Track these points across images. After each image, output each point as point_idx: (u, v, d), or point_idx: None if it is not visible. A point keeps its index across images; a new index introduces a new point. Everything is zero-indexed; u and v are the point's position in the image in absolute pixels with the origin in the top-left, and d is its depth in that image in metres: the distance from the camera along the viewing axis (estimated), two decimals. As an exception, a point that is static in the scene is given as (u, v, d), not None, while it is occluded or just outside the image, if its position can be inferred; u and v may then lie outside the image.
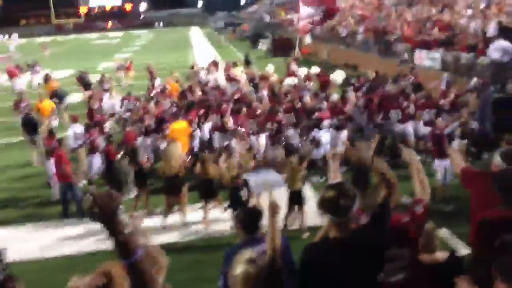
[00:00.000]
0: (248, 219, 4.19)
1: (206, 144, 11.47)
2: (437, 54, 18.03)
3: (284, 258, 4.06)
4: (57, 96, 17.10)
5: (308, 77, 16.73)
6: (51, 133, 11.36)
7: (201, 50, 40.92)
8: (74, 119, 12.20)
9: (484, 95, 12.23)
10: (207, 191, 9.01)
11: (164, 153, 9.55)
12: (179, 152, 9.58)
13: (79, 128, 11.96)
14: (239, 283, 3.20)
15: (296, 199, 8.15)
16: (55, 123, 15.05)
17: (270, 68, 18.94)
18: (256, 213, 4.18)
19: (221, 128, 11.92)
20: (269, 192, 3.70)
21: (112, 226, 1.88)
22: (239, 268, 3.22)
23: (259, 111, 12.36)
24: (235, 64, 20.47)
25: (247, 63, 23.36)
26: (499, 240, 3.40)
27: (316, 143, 10.98)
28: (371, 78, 15.15)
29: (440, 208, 8.61)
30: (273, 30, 43.63)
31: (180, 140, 11.21)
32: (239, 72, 18.94)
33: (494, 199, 4.35)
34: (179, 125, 11.49)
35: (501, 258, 3.12)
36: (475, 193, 4.96)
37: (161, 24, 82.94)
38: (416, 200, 3.85)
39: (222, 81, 17.62)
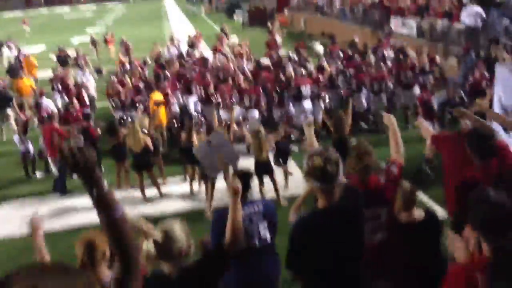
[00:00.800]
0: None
1: (187, 115, 11.37)
2: (412, 21, 18.13)
3: (271, 224, 4.19)
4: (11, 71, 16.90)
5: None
6: (21, 107, 11.75)
7: (177, 23, 40.26)
8: (41, 93, 12.70)
9: (466, 62, 12.33)
10: (191, 156, 8.66)
11: (130, 129, 9.12)
12: (145, 126, 9.30)
13: (45, 101, 12.62)
14: (143, 258, 3.19)
15: (263, 169, 8.10)
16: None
17: (234, 39, 18.66)
18: (245, 175, 4.20)
19: (205, 100, 11.86)
20: (227, 170, 3.51)
21: (93, 178, 1.89)
22: (145, 244, 3.18)
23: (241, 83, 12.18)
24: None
25: (224, 35, 23.07)
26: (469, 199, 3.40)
27: (288, 117, 11.12)
28: (354, 47, 14.90)
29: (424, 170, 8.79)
30: (248, 0, 42.95)
31: (159, 111, 11.14)
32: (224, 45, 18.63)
33: (465, 160, 4.49)
34: (157, 96, 11.36)
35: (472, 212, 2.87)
36: (447, 155, 5.10)
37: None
38: (392, 160, 3.95)
39: (205, 53, 17.36)
